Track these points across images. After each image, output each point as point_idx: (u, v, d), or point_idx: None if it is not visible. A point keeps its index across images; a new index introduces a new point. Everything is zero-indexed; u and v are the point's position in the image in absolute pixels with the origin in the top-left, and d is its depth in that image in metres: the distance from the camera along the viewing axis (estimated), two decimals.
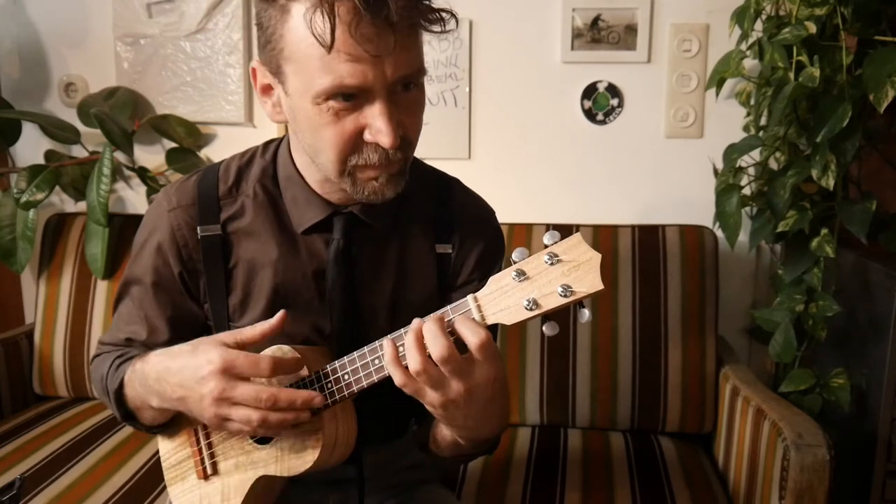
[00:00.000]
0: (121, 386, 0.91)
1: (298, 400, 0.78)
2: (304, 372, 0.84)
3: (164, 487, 0.98)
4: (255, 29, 0.84)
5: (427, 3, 0.77)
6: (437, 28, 0.77)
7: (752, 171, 1.63)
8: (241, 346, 0.81)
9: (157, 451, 1.00)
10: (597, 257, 0.68)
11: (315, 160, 0.84)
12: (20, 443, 1.52)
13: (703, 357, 1.58)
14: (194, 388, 0.80)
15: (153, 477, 1.39)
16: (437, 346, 0.71)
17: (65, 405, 1.74)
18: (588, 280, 0.68)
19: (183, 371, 0.81)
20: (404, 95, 0.80)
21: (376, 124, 0.77)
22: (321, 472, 0.89)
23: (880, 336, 1.40)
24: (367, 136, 0.79)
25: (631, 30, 1.75)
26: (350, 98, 0.77)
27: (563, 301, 0.69)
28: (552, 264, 0.69)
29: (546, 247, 0.70)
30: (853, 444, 1.45)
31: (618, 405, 1.59)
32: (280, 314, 0.82)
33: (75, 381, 1.77)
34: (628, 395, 1.58)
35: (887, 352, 1.37)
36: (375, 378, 0.80)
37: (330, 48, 0.73)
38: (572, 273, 0.69)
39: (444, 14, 0.77)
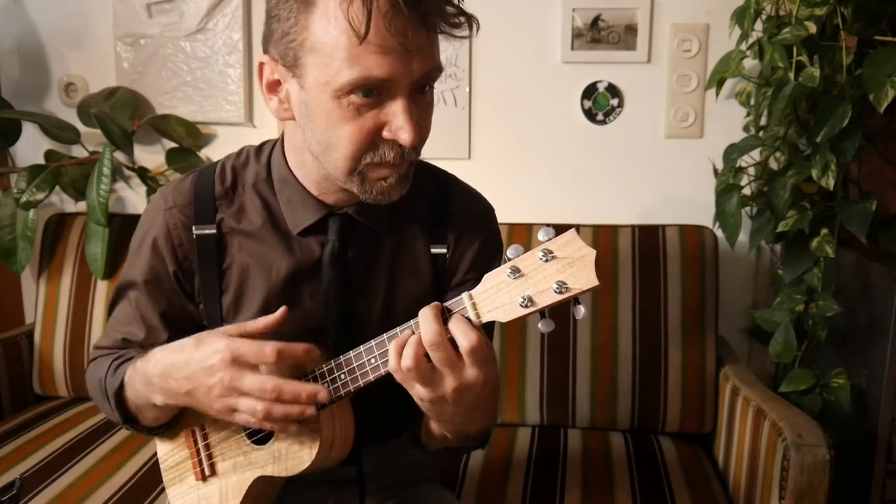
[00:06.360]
0: (121, 387, 0.91)
1: (303, 393, 0.78)
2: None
3: (164, 488, 0.98)
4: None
5: (458, 4, 0.77)
6: (459, 32, 0.77)
7: (752, 171, 1.62)
8: (244, 337, 0.82)
9: (157, 453, 1.00)
10: (591, 253, 0.68)
11: (324, 157, 0.83)
12: (20, 443, 1.52)
13: (703, 357, 1.58)
14: (203, 380, 0.80)
15: (153, 477, 1.38)
16: (427, 330, 0.72)
17: (65, 405, 1.74)
18: (583, 276, 0.68)
19: (190, 364, 0.81)
20: (420, 97, 0.80)
21: (398, 121, 0.77)
22: (321, 472, 0.89)
23: (880, 336, 1.40)
24: (387, 134, 0.79)
25: (631, 30, 1.75)
26: (371, 94, 0.76)
27: (559, 298, 0.68)
28: (547, 261, 0.69)
29: (541, 243, 0.70)
30: (853, 444, 1.45)
31: (618, 405, 1.58)
32: (282, 309, 0.83)
33: (75, 381, 1.77)
34: (628, 395, 1.58)
35: (887, 352, 1.37)
36: (372, 377, 0.80)
37: (363, 38, 0.72)
38: (567, 269, 0.68)
39: (471, 19, 0.77)
